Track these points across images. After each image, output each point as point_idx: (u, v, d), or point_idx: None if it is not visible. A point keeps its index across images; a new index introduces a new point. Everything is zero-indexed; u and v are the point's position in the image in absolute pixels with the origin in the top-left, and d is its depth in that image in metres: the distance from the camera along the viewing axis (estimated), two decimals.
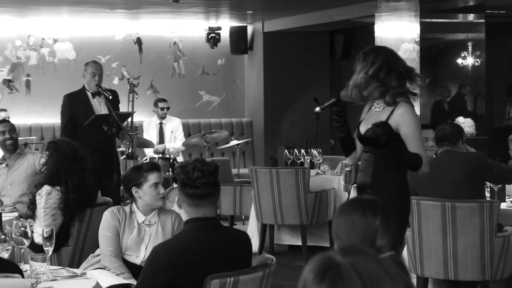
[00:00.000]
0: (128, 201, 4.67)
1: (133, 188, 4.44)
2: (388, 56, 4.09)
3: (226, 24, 11.80)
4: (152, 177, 4.43)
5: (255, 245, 7.29)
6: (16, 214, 5.61)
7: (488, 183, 5.72)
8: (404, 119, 4.02)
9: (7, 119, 7.63)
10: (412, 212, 5.21)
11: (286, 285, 6.24)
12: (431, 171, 5.32)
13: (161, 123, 9.85)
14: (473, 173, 5.37)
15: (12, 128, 6.29)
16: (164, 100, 9.92)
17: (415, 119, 4.05)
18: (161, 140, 9.82)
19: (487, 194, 5.78)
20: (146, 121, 10.08)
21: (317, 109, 4.20)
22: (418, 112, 8.50)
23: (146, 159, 8.79)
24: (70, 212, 5.07)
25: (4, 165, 6.22)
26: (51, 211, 4.99)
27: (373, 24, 9.06)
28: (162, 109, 9.78)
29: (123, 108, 8.13)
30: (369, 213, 2.55)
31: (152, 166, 4.52)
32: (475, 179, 5.39)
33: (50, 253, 3.93)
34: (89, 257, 4.68)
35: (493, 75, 12.27)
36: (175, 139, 9.83)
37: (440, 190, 5.33)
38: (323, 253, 1.64)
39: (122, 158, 8.33)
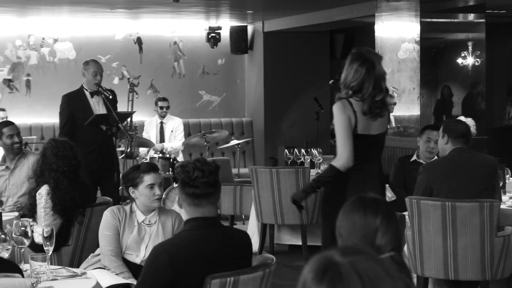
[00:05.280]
0: (128, 200, 4.67)
1: (130, 188, 4.45)
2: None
3: (226, 24, 11.80)
4: (148, 178, 4.43)
5: (255, 245, 7.29)
6: (16, 214, 5.61)
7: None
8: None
9: (6, 119, 7.63)
10: (412, 212, 5.22)
11: (286, 285, 6.24)
12: (447, 167, 5.29)
13: (161, 122, 9.88)
14: (490, 176, 5.37)
15: (19, 131, 6.29)
16: (164, 99, 9.96)
17: (336, 114, 4.42)
18: (162, 139, 9.84)
19: None
20: (147, 120, 10.12)
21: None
22: (418, 112, 8.51)
23: (146, 159, 8.80)
24: (66, 214, 5.05)
25: (4, 167, 6.21)
26: (51, 210, 4.99)
27: (373, 24, 9.06)
28: (161, 108, 9.83)
29: (123, 107, 8.14)
30: (370, 213, 2.54)
31: (149, 167, 4.52)
32: (490, 181, 5.38)
33: (50, 252, 3.93)
34: (89, 256, 4.69)
35: (493, 75, 12.26)
36: (174, 138, 9.84)
37: (455, 187, 5.28)
38: (322, 253, 1.64)
39: (121, 157, 8.33)
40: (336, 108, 4.41)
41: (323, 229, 4.73)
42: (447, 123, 5.55)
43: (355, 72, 4.39)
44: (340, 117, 4.40)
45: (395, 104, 8.85)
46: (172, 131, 9.88)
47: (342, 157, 4.41)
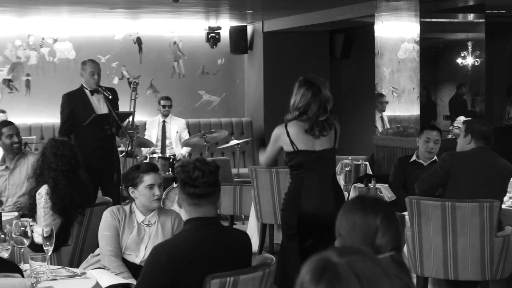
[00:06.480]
0: (128, 200, 4.67)
1: (129, 188, 4.45)
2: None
3: (226, 23, 11.80)
4: (148, 179, 4.43)
5: (255, 245, 7.29)
6: (16, 214, 5.61)
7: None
8: None
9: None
10: (412, 212, 5.22)
11: None
12: (471, 163, 5.32)
13: (164, 121, 9.92)
14: (506, 181, 5.47)
15: (18, 131, 6.30)
16: (167, 98, 10.06)
17: (271, 137, 5.08)
18: (163, 138, 9.86)
19: None
20: (149, 119, 10.17)
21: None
22: (417, 112, 8.51)
23: (146, 159, 8.81)
24: (65, 213, 5.05)
25: (4, 167, 6.21)
26: (50, 210, 4.99)
27: (373, 24, 9.06)
28: (164, 106, 9.95)
29: (125, 106, 8.14)
30: (370, 213, 2.54)
31: (149, 167, 4.51)
32: (504, 186, 5.45)
33: (50, 252, 3.94)
34: (89, 256, 4.68)
35: (493, 75, 12.26)
36: (181, 140, 9.87)
37: (475, 183, 5.31)
38: (320, 253, 1.64)
39: (121, 156, 8.34)
40: (273, 133, 5.05)
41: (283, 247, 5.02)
42: (471, 124, 5.61)
43: (302, 95, 4.94)
44: (272, 141, 5.04)
45: (387, 103, 8.87)
46: (177, 132, 9.92)
47: (261, 163, 5.23)
